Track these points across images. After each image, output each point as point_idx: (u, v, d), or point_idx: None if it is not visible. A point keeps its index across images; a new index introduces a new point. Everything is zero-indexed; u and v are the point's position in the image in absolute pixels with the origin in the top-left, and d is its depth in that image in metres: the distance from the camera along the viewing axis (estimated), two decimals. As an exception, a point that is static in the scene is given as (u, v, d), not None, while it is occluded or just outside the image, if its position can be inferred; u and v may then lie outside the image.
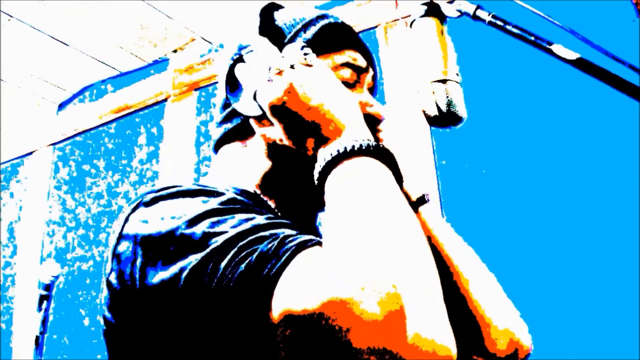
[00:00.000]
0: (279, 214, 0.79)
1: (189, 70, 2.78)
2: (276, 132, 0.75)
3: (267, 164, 0.82)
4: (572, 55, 0.62)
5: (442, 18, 0.79)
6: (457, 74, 0.76)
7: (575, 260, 1.72)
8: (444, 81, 0.75)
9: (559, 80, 1.78)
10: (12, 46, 2.81)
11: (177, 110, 2.75)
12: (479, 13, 0.72)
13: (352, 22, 0.91)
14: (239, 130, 0.85)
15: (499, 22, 0.69)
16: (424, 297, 0.51)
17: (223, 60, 0.89)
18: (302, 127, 0.69)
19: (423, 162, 2.01)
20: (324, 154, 0.65)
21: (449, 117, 0.74)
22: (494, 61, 1.96)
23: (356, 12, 2.34)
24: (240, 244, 0.58)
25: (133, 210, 0.69)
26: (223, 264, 0.57)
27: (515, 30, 0.67)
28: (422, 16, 0.79)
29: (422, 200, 0.88)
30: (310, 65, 0.72)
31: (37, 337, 1.84)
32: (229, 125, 0.87)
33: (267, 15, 0.87)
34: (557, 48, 0.63)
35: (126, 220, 0.69)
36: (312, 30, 0.85)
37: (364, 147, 0.63)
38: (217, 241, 0.59)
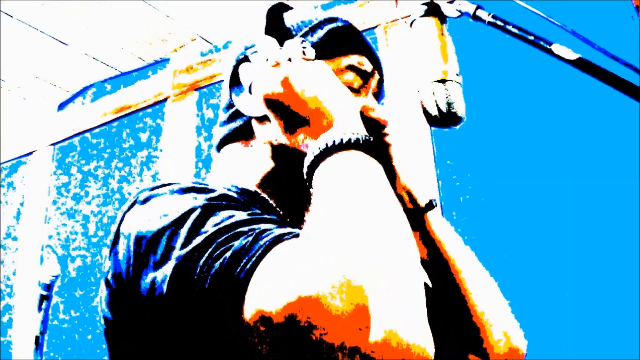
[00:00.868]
0: (281, 212, 0.79)
1: (189, 70, 2.78)
2: (272, 128, 0.74)
3: (268, 165, 0.82)
4: (572, 55, 0.62)
5: (442, 18, 0.78)
6: (457, 74, 0.76)
7: (575, 260, 1.72)
8: (444, 81, 0.75)
9: (559, 80, 1.78)
10: (12, 46, 2.81)
11: (177, 110, 2.75)
12: (479, 13, 0.72)
13: (352, 22, 0.90)
14: (242, 130, 0.85)
15: (499, 22, 0.69)
16: (400, 294, 0.50)
17: (228, 61, 0.89)
18: (295, 120, 0.69)
19: (423, 162, 2.01)
20: (313, 148, 0.63)
21: (449, 117, 0.74)
22: (494, 61, 1.96)
23: (356, 12, 2.34)
24: (218, 240, 0.57)
25: (129, 208, 0.69)
26: (201, 262, 0.57)
27: (515, 30, 0.67)
28: (422, 16, 0.79)
29: (429, 206, 0.89)
30: (308, 60, 0.72)
31: (37, 337, 1.84)
32: (232, 125, 0.86)
33: (274, 15, 0.87)
34: (557, 48, 0.63)
35: (122, 218, 0.69)
36: (319, 33, 0.84)
37: (352, 141, 0.62)
38: (199, 239, 0.58)
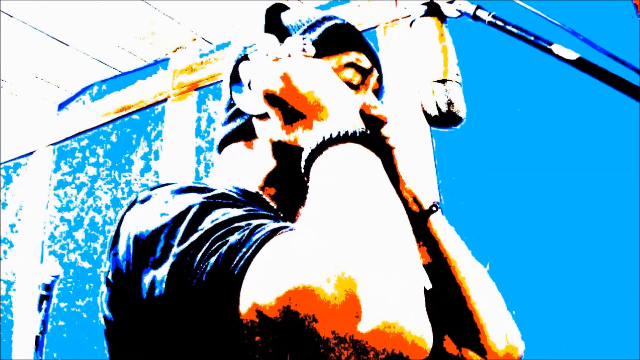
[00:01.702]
0: (281, 214, 0.79)
1: (189, 70, 2.78)
2: (272, 125, 0.74)
3: (270, 164, 0.82)
4: (572, 55, 0.62)
5: (442, 18, 0.79)
6: (457, 74, 0.76)
7: (575, 260, 1.72)
8: (444, 81, 0.75)
9: (559, 80, 1.78)
10: (12, 46, 2.81)
11: (177, 110, 2.75)
12: (479, 13, 0.72)
13: (351, 22, 0.90)
14: (243, 130, 0.85)
15: (499, 22, 0.69)
16: (394, 284, 0.50)
17: (228, 60, 0.89)
18: (294, 114, 0.69)
19: (423, 162, 2.01)
20: (310, 142, 0.63)
21: (449, 117, 0.74)
22: (494, 61, 1.96)
23: (356, 12, 2.34)
24: (214, 236, 0.57)
25: (129, 208, 0.69)
26: (197, 258, 0.57)
27: (515, 30, 0.67)
28: (422, 16, 0.79)
29: (432, 209, 0.90)
30: (307, 56, 0.72)
31: (37, 337, 1.84)
32: (232, 125, 0.86)
33: (272, 15, 0.87)
34: (557, 48, 0.63)
35: (122, 218, 0.69)
36: (318, 31, 0.84)
37: (349, 134, 0.62)
38: (196, 236, 0.59)
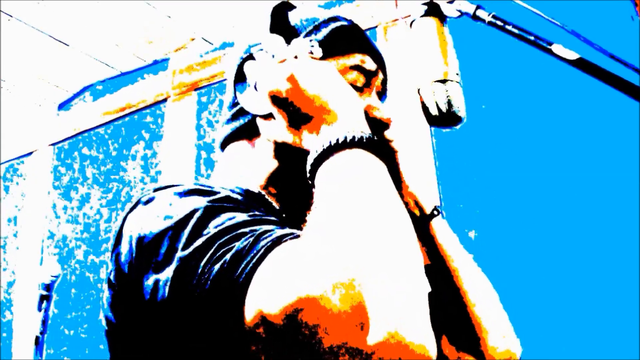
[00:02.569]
0: (283, 215, 0.79)
1: (189, 70, 2.78)
2: (277, 126, 0.74)
3: (273, 164, 0.82)
4: (572, 55, 0.62)
5: (442, 18, 0.79)
6: (457, 74, 0.76)
7: (576, 260, 1.72)
8: (444, 81, 0.75)
9: (559, 80, 1.78)
10: (12, 46, 2.81)
11: (177, 110, 2.75)
12: (479, 13, 0.72)
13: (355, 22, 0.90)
14: (246, 128, 0.85)
15: (499, 22, 0.69)
16: (399, 294, 0.50)
17: (232, 59, 0.89)
18: (300, 117, 0.69)
19: (423, 162, 2.01)
20: (317, 145, 0.63)
21: (449, 117, 0.74)
22: (494, 61, 1.96)
23: (356, 12, 2.34)
24: (219, 242, 0.57)
25: (132, 209, 0.69)
26: (202, 264, 0.56)
27: (515, 30, 0.67)
28: (422, 16, 0.79)
29: (434, 212, 0.90)
30: (315, 58, 0.72)
31: (37, 337, 1.84)
32: (236, 124, 0.86)
33: (278, 14, 0.87)
34: (557, 48, 0.63)
35: (125, 219, 0.69)
36: (323, 32, 0.84)
37: (356, 139, 0.61)
38: (200, 241, 0.58)
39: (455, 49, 0.78)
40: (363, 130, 0.63)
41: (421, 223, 0.89)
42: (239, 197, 0.70)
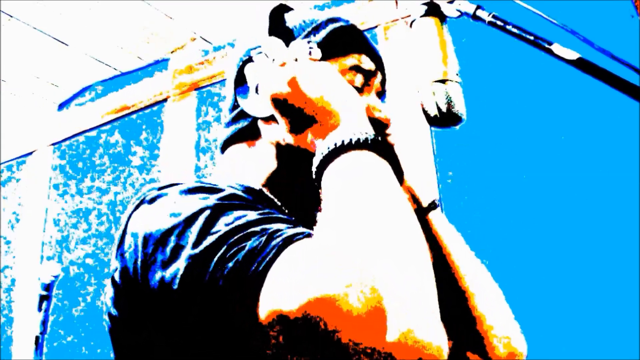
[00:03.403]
0: (286, 210, 0.79)
1: (189, 70, 2.78)
2: (279, 129, 0.74)
3: (274, 165, 0.82)
4: (572, 55, 0.62)
5: (442, 18, 0.78)
6: (457, 74, 0.76)
7: (576, 260, 1.72)
8: (444, 81, 0.75)
9: (559, 80, 1.78)
10: (12, 46, 2.81)
11: (177, 110, 2.75)
12: (479, 13, 0.72)
13: (353, 22, 0.90)
14: (247, 131, 0.85)
15: (499, 22, 0.69)
16: (414, 294, 0.50)
17: (231, 62, 0.89)
18: (302, 119, 0.69)
19: (423, 162, 2.01)
20: (322, 148, 0.63)
21: (449, 117, 0.74)
22: (494, 61, 1.96)
23: (356, 12, 2.34)
24: (231, 240, 0.57)
25: (136, 207, 0.69)
26: (213, 262, 0.57)
27: (515, 30, 0.67)
28: (422, 16, 0.79)
29: (432, 206, 0.90)
30: (314, 60, 0.72)
31: (37, 337, 1.84)
32: (236, 126, 0.86)
33: (276, 16, 0.87)
34: (557, 48, 0.63)
35: (129, 217, 0.69)
36: (322, 33, 0.84)
37: (361, 141, 0.62)
38: (211, 239, 0.58)
39: (455, 49, 0.78)
40: (367, 131, 0.64)
41: (419, 217, 0.89)
42: (243, 194, 0.70)
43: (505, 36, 0.68)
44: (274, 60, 0.73)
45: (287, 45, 0.75)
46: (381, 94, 0.90)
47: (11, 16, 2.64)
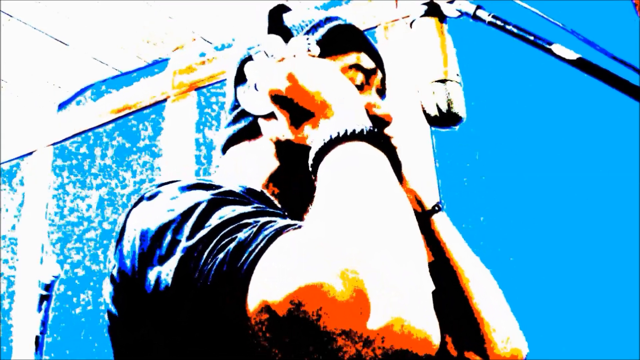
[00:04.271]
0: (285, 212, 0.79)
1: (188, 70, 2.78)
2: (279, 125, 0.74)
3: (275, 163, 0.82)
4: (572, 55, 0.62)
5: (442, 18, 0.79)
6: (457, 74, 0.76)
7: (576, 260, 1.72)
8: (444, 81, 0.75)
9: (559, 80, 1.78)
10: (12, 46, 2.81)
11: (177, 110, 2.75)
12: (479, 13, 0.72)
13: (352, 22, 0.90)
14: (248, 131, 0.85)
15: (499, 22, 0.69)
16: (404, 282, 0.50)
17: (231, 62, 0.89)
18: (301, 114, 0.69)
19: (423, 162, 2.01)
20: (318, 140, 0.63)
21: (449, 117, 0.74)
22: (494, 61, 1.96)
23: (356, 12, 2.34)
24: (222, 232, 0.57)
25: (135, 204, 0.69)
26: (205, 254, 0.57)
27: (515, 30, 0.67)
28: (422, 16, 0.79)
29: (435, 208, 0.90)
30: (312, 56, 0.72)
31: (37, 337, 1.84)
32: (237, 126, 0.86)
33: (275, 16, 0.87)
34: (557, 48, 0.63)
35: (128, 214, 0.69)
36: (320, 32, 0.84)
37: (357, 132, 0.61)
38: (203, 232, 0.58)
39: (455, 49, 0.78)
40: (364, 122, 0.63)
41: (422, 219, 0.89)
42: (239, 191, 0.70)
43: (505, 36, 0.68)
44: (272, 56, 0.73)
45: (286, 43, 0.76)
46: (382, 93, 0.90)
47: (11, 16, 2.64)
